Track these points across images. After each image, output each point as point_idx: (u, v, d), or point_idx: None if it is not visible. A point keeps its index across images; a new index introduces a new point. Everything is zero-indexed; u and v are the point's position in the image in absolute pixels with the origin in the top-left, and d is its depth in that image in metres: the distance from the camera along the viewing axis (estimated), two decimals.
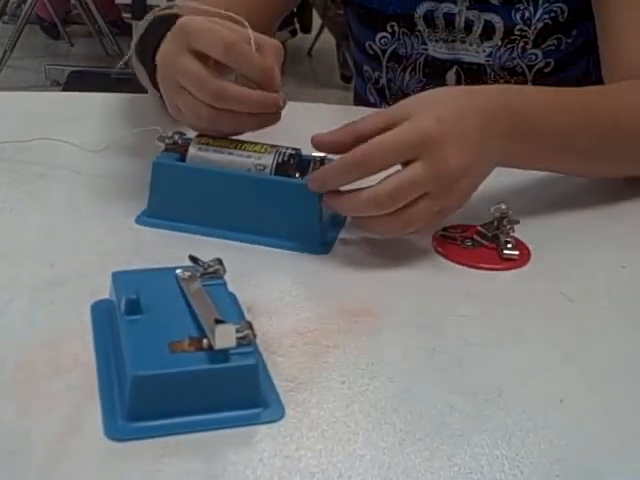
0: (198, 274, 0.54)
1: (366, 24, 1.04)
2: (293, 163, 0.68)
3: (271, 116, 0.68)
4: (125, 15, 3.99)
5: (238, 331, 0.47)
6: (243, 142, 0.69)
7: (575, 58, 1.01)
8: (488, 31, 0.97)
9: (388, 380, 0.52)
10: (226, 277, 0.55)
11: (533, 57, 0.97)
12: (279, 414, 0.48)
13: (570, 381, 0.53)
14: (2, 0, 3.67)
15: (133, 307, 0.50)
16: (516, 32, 0.96)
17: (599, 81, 0.93)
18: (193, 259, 0.55)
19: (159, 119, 0.76)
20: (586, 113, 0.76)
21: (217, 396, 0.48)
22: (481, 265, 0.67)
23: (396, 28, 1.01)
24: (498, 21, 0.96)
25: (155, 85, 0.74)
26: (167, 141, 0.70)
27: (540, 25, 0.95)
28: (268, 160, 0.67)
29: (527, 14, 0.95)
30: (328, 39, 3.90)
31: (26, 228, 0.67)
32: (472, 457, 0.46)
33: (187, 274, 0.55)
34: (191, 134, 0.70)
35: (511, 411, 0.50)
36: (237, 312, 0.53)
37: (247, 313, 0.56)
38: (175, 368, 0.46)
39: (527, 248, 0.69)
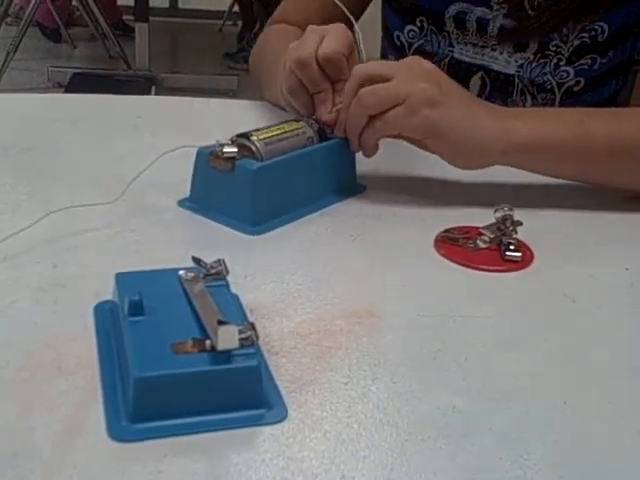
0: (201, 275, 0.54)
1: (398, 13, 1.03)
2: (320, 126, 0.77)
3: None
4: (127, 17, 4.00)
5: (241, 332, 0.47)
6: (279, 126, 0.74)
7: (606, 79, 0.98)
8: (522, 44, 0.95)
9: (391, 381, 0.52)
10: (229, 278, 0.55)
11: (564, 74, 0.95)
12: (282, 415, 0.48)
13: (573, 382, 0.53)
14: (5, 2, 3.68)
15: (136, 308, 0.50)
16: (551, 47, 0.94)
17: (626, 104, 0.94)
18: (196, 260, 0.55)
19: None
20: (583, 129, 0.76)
21: (220, 397, 0.48)
22: (483, 266, 0.67)
23: (425, 24, 1.00)
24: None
25: None
26: (234, 149, 0.70)
27: (577, 42, 0.93)
28: (310, 132, 0.75)
29: (565, 30, 0.93)
30: None
31: (29, 229, 0.67)
32: (475, 458, 0.46)
33: (190, 275, 0.55)
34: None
35: (514, 412, 0.50)
36: (240, 313, 0.53)
37: (250, 314, 0.56)
38: (178, 369, 0.46)
39: (530, 250, 0.69)
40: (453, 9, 0.97)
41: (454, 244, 0.69)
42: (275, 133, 0.73)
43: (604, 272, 0.68)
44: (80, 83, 3.26)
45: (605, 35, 0.93)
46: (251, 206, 0.70)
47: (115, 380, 0.49)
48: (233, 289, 0.55)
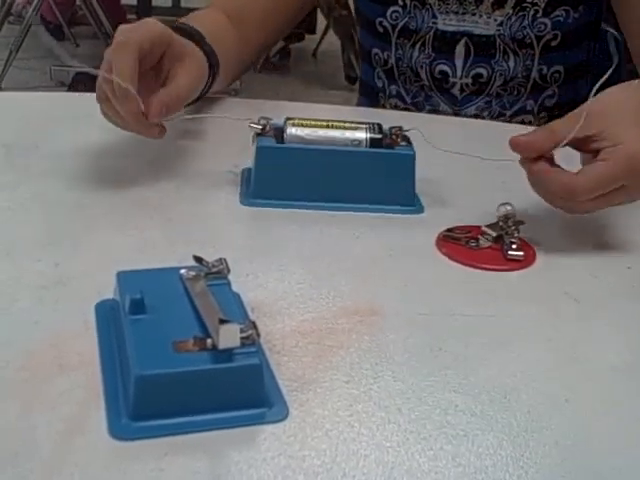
0: (202, 274, 0.54)
1: (376, 0, 1.04)
2: (382, 137, 0.75)
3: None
4: (130, 16, 4.00)
5: (242, 331, 0.47)
6: (331, 121, 0.75)
7: (579, 38, 1.03)
8: (500, 0, 0.99)
9: (392, 379, 0.52)
10: (231, 277, 0.55)
11: (542, 27, 1.00)
12: (283, 414, 0.48)
13: (575, 381, 0.53)
14: (7, 1, 3.68)
15: (137, 307, 0.50)
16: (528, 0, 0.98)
17: (601, 68, 0.98)
18: (197, 259, 0.55)
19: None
20: None
21: (221, 396, 0.48)
22: (485, 266, 0.67)
23: (407, 1, 1.02)
24: None
25: None
26: (259, 125, 0.74)
27: None
28: (362, 135, 0.74)
29: None
30: (333, 40, 3.90)
31: (31, 227, 0.67)
32: (476, 457, 0.46)
33: (191, 274, 0.54)
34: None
35: (516, 411, 0.50)
36: (241, 312, 0.53)
37: (251, 313, 0.56)
38: (179, 368, 0.46)
39: (532, 249, 0.69)
40: None
41: (456, 243, 0.69)
42: (317, 124, 0.74)
43: (606, 271, 0.68)
44: (83, 82, 3.25)
45: None
46: (253, 179, 0.74)
47: (116, 378, 0.49)
48: (235, 288, 0.55)
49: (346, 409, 0.49)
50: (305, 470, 0.44)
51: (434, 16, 1.01)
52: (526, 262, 0.68)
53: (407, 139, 0.75)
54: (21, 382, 0.49)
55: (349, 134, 0.74)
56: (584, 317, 0.61)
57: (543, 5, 0.99)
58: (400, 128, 0.76)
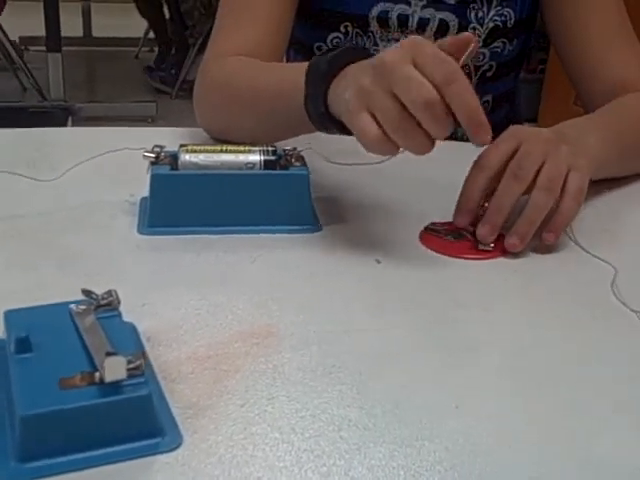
0: (92, 307, 0.54)
1: (317, 25, 1.05)
2: (276, 159, 0.76)
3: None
4: (39, 48, 3.94)
5: (130, 362, 0.47)
6: (225, 145, 0.76)
7: (510, 68, 1.09)
8: (442, 29, 1.02)
9: (287, 399, 0.52)
10: (127, 307, 0.54)
11: (481, 57, 1.04)
12: (176, 442, 0.48)
13: (464, 387, 0.55)
14: None
15: (23, 345, 0.49)
16: (469, 30, 1.01)
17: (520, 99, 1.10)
18: (86, 292, 0.55)
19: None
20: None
21: (112, 429, 0.47)
22: (467, 256, 0.72)
23: (350, 28, 1.03)
24: (453, 19, 1.02)
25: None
26: (152, 154, 0.75)
27: (491, 25, 1.02)
28: (255, 158, 0.74)
29: (480, 14, 1.02)
30: None
31: None
32: (369, 470, 0.47)
33: (81, 308, 0.54)
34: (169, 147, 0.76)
35: (407, 421, 0.51)
36: (133, 342, 0.52)
37: (146, 343, 0.56)
38: (65, 405, 0.46)
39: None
40: (376, 10, 1.02)
41: (437, 236, 0.74)
42: (209, 150, 0.75)
43: (497, 274, 0.69)
44: None
45: (512, 22, 1.04)
46: (149, 208, 0.74)
47: (4, 420, 0.48)
48: (131, 318, 0.55)
49: (240, 432, 0.49)
50: None
51: (375, 44, 1.03)
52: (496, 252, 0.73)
53: (302, 159, 0.76)
54: None
55: (243, 157, 0.75)
56: (467, 323, 0.63)
57: (484, 36, 1.02)
58: (294, 148, 0.77)
